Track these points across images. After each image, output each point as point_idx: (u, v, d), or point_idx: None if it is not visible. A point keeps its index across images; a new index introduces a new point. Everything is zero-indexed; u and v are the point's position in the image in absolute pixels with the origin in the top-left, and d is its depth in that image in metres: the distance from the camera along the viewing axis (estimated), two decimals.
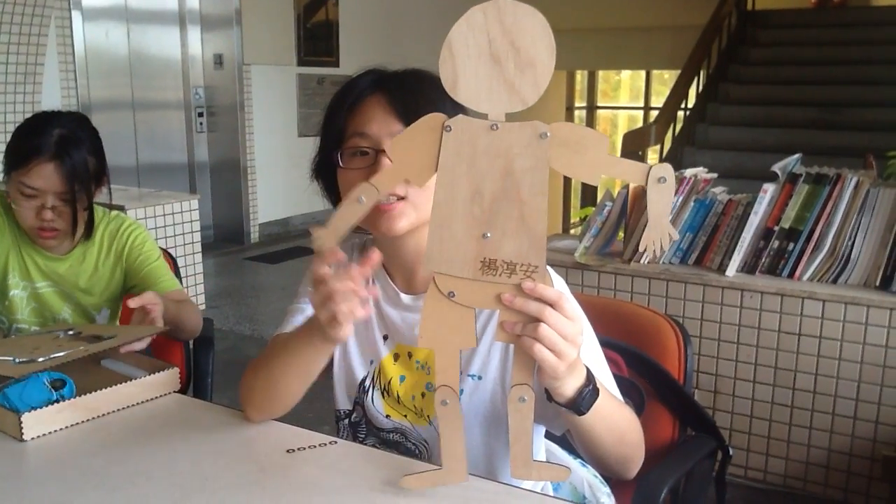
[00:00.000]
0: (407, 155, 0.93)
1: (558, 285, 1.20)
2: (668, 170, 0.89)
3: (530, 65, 0.88)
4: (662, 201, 0.89)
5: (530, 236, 0.91)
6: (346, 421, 1.32)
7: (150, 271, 1.85)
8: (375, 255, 1.00)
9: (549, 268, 1.23)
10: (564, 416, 1.04)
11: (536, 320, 0.92)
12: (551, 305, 0.92)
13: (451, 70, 0.90)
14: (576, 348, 0.94)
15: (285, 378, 1.17)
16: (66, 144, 1.69)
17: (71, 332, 1.49)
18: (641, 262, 2.60)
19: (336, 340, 1.06)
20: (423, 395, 1.24)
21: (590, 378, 1.01)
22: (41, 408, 1.21)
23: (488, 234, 0.92)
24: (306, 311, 1.27)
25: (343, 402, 1.32)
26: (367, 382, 1.28)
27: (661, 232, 0.90)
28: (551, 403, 1.03)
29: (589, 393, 1.00)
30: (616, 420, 1.09)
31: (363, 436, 1.31)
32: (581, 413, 1.01)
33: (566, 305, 0.93)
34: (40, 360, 1.30)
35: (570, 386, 0.99)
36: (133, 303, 1.54)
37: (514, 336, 0.94)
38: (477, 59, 0.89)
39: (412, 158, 0.93)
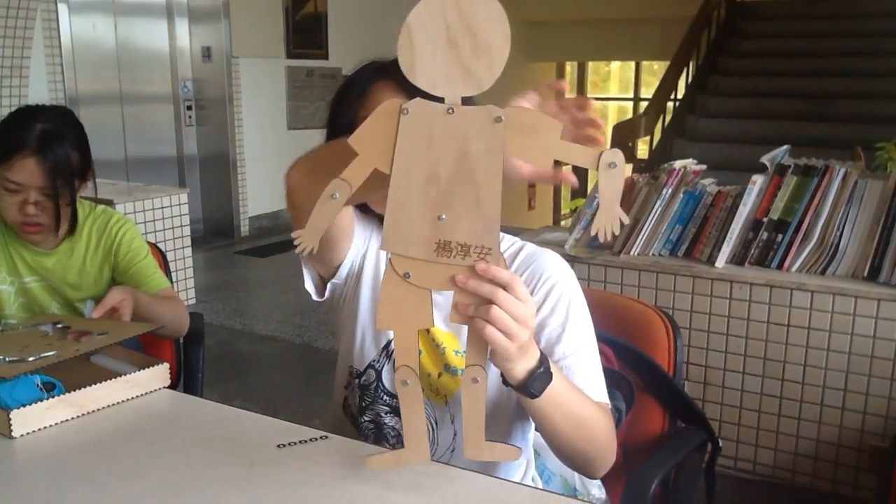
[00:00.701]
0: (371, 145, 0.93)
1: (560, 270, 1.22)
2: (618, 155, 0.90)
3: (486, 49, 0.89)
4: (613, 186, 0.90)
5: (484, 219, 0.92)
6: (357, 381, 1.32)
7: (138, 269, 1.84)
8: None
9: (554, 254, 1.24)
10: (520, 400, 1.05)
11: (489, 302, 0.92)
12: (504, 287, 0.92)
13: (409, 54, 0.90)
14: (527, 330, 0.94)
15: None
16: (48, 139, 1.68)
17: (60, 326, 1.48)
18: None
19: None
20: (439, 374, 1.24)
21: (542, 361, 1.01)
22: (30, 405, 1.20)
23: (443, 217, 0.92)
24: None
25: (357, 361, 1.32)
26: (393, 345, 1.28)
27: (611, 217, 0.91)
28: (506, 387, 1.03)
29: (540, 375, 1.00)
30: (575, 411, 1.09)
31: (370, 400, 1.31)
32: (533, 396, 1.01)
33: (518, 288, 0.93)
34: (31, 359, 1.29)
35: (521, 367, 0.99)
36: (96, 313, 1.54)
37: (467, 317, 0.95)
38: (434, 44, 0.90)
39: (376, 148, 0.93)
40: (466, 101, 0.92)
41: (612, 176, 0.89)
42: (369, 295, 1.30)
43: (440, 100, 0.91)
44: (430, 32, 0.89)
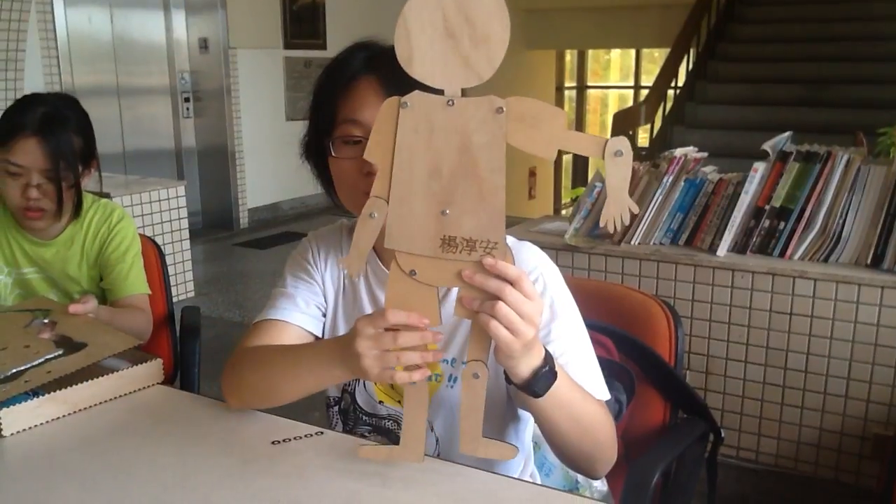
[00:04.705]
0: (386, 152, 0.92)
1: (540, 265, 1.18)
2: (624, 143, 0.88)
3: (485, 40, 0.87)
4: (620, 174, 0.88)
5: (489, 212, 0.90)
6: (336, 408, 1.30)
7: (120, 270, 1.82)
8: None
9: (533, 247, 1.21)
10: (523, 399, 1.02)
11: (495, 297, 0.91)
12: (511, 283, 0.91)
13: (406, 46, 0.89)
14: (533, 328, 0.92)
15: (288, 385, 1.12)
16: (49, 121, 1.68)
17: (45, 321, 1.45)
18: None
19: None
20: (414, 382, 1.22)
21: (547, 360, 0.99)
22: (20, 403, 1.18)
23: (447, 211, 0.91)
24: (294, 296, 1.25)
25: (332, 389, 1.30)
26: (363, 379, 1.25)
27: (620, 206, 0.89)
28: (509, 385, 1.01)
29: (545, 375, 0.98)
30: (578, 410, 1.06)
31: (352, 424, 1.29)
32: (536, 395, 0.99)
33: (525, 284, 0.91)
34: (11, 371, 1.26)
35: (525, 366, 0.97)
36: (72, 308, 1.52)
37: (472, 312, 0.93)
38: (432, 35, 0.88)
39: (390, 152, 0.91)
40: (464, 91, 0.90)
41: (619, 164, 0.88)
42: (329, 322, 1.28)
43: (440, 92, 0.90)
44: (427, 23, 0.88)
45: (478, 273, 0.91)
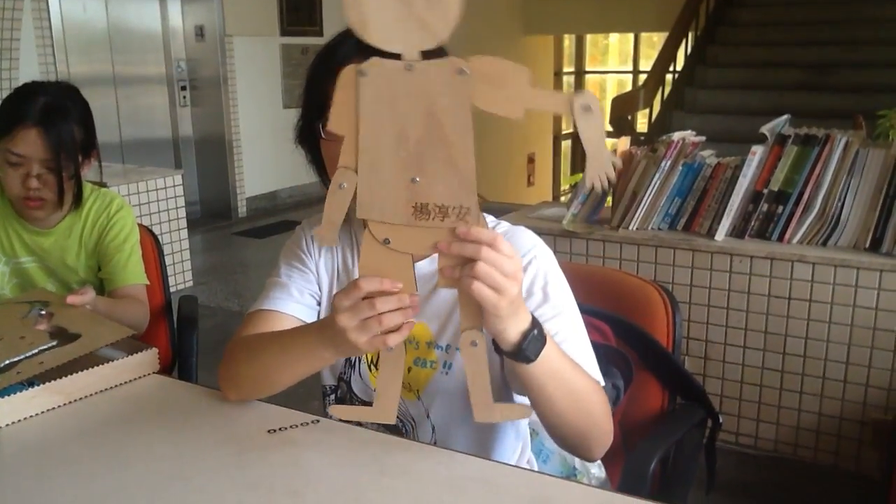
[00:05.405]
0: (348, 121, 0.90)
1: (533, 249, 1.17)
2: (591, 97, 0.85)
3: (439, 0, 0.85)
4: (594, 129, 0.85)
5: (459, 177, 0.89)
6: (332, 397, 1.30)
7: (118, 259, 1.82)
8: None
9: (527, 231, 1.20)
10: (515, 369, 1.02)
11: (473, 261, 0.90)
12: (488, 245, 0.90)
13: (358, 11, 0.87)
14: (516, 283, 0.92)
15: (281, 372, 1.13)
16: (50, 111, 1.68)
17: (43, 313, 1.45)
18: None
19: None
20: (409, 369, 1.21)
21: (535, 323, 0.98)
22: (15, 393, 1.18)
23: (417, 179, 0.90)
24: (288, 286, 1.24)
25: (328, 378, 1.30)
26: (354, 356, 1.25)
27: (601, 163, 0.86)
28: (501, 358, 1.01)
29: (534, 338, 0.97)
30: (570, 382, 1.05)
31: None
32: (528, 360, 0.98)
33: (501, 244, 0.91)
34: (4, 363, 1.26)
35: (513, 329, 0.96)
36: (70, 299, 1.51)
37: (455, 280, 0.92)
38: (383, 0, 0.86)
39: (354, 121, 0.90)
40: (433, 53, 0.88)
41: (591, 119, 0.85)
42: (324, 310, 1.27)
43: (398, 57, 0.88)
44: None
45: (454, 242, 0.91)
